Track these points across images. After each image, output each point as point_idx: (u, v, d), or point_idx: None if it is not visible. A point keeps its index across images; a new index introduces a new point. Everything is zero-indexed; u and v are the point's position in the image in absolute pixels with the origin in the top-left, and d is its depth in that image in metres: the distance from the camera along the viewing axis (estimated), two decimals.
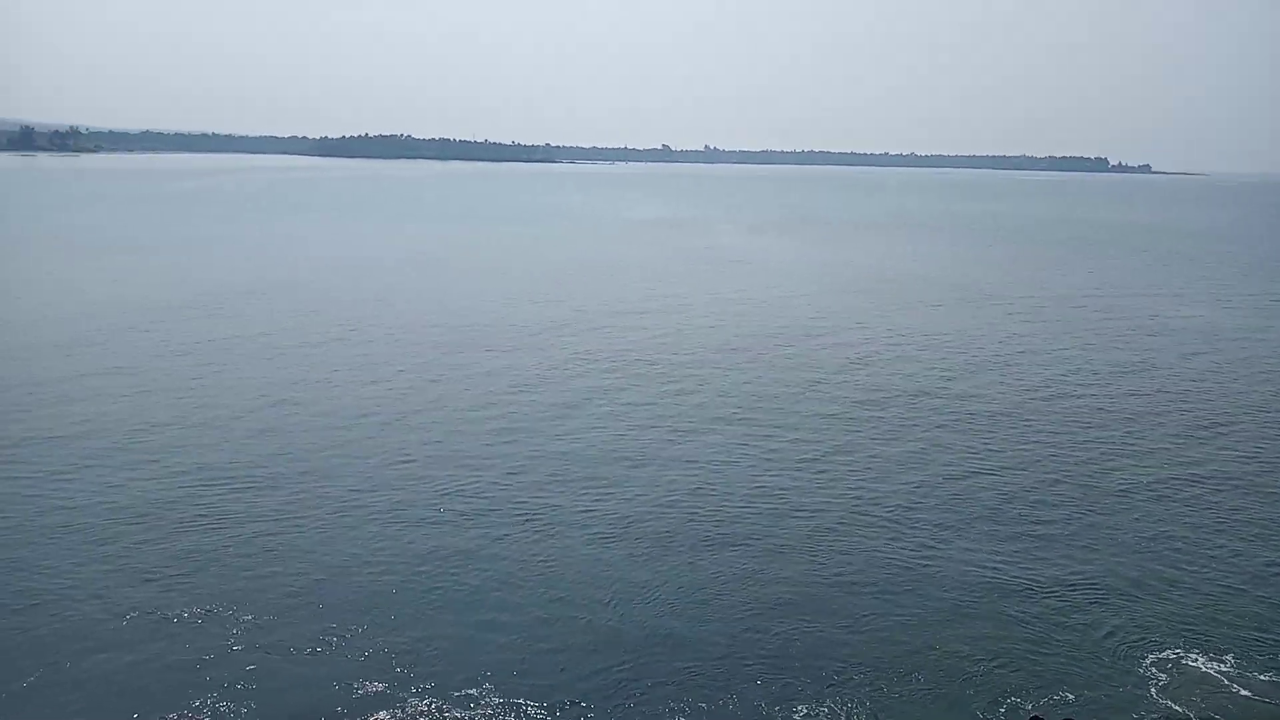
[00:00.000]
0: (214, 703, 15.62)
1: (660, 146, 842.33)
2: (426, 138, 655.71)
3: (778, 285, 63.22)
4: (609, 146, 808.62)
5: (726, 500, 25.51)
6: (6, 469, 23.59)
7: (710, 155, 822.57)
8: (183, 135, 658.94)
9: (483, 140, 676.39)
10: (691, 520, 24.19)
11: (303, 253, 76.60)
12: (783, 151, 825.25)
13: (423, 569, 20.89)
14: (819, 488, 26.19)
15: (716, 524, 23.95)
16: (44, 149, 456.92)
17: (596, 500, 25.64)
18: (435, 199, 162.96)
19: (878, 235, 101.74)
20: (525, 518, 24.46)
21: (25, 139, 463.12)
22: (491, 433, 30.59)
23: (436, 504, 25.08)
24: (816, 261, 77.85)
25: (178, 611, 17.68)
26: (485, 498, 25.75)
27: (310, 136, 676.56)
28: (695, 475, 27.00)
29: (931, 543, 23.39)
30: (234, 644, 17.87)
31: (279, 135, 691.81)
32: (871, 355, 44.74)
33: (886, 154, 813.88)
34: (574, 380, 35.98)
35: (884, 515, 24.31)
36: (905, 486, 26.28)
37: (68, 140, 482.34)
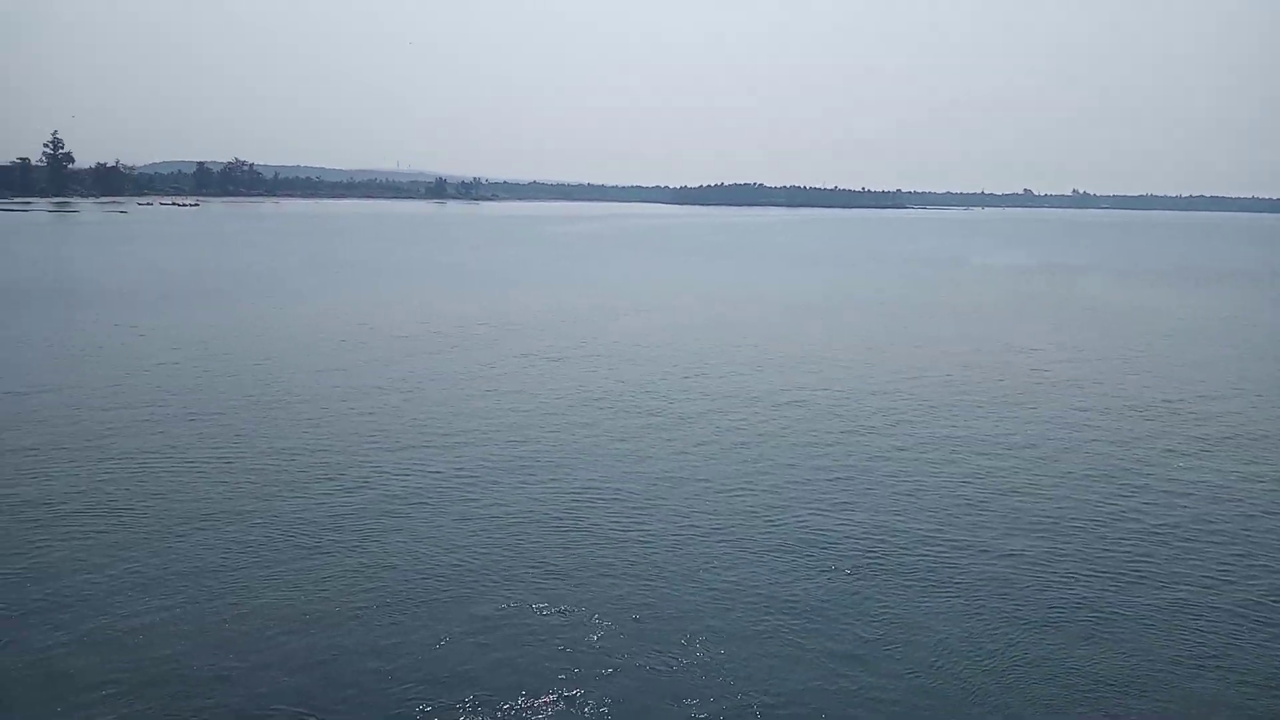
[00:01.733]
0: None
1: (1021, 191, 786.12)
2: (778, 185, 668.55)
3: (1159, 341, 53.50)
4: (964, 191, 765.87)
5: None
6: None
7: (1079, 200, 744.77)
8: (563, 185, 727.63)
9: (832, 187, 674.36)
10: None
11: (704, 289, 79.07)
12: (1165, 196, 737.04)
13: None
14: None
15: None
16: (453, 197, 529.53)
17: None
18: (786, 243, 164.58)
19: None
20: None
21: (439, 189, 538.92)
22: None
23: None
24: (1210, 313, 65.52)
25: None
26: None
27: (671, 186, 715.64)
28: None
29: None
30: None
31: (644, 185, 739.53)
32: None
33: None
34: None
35: None
36: None
37: (471, 190, 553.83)
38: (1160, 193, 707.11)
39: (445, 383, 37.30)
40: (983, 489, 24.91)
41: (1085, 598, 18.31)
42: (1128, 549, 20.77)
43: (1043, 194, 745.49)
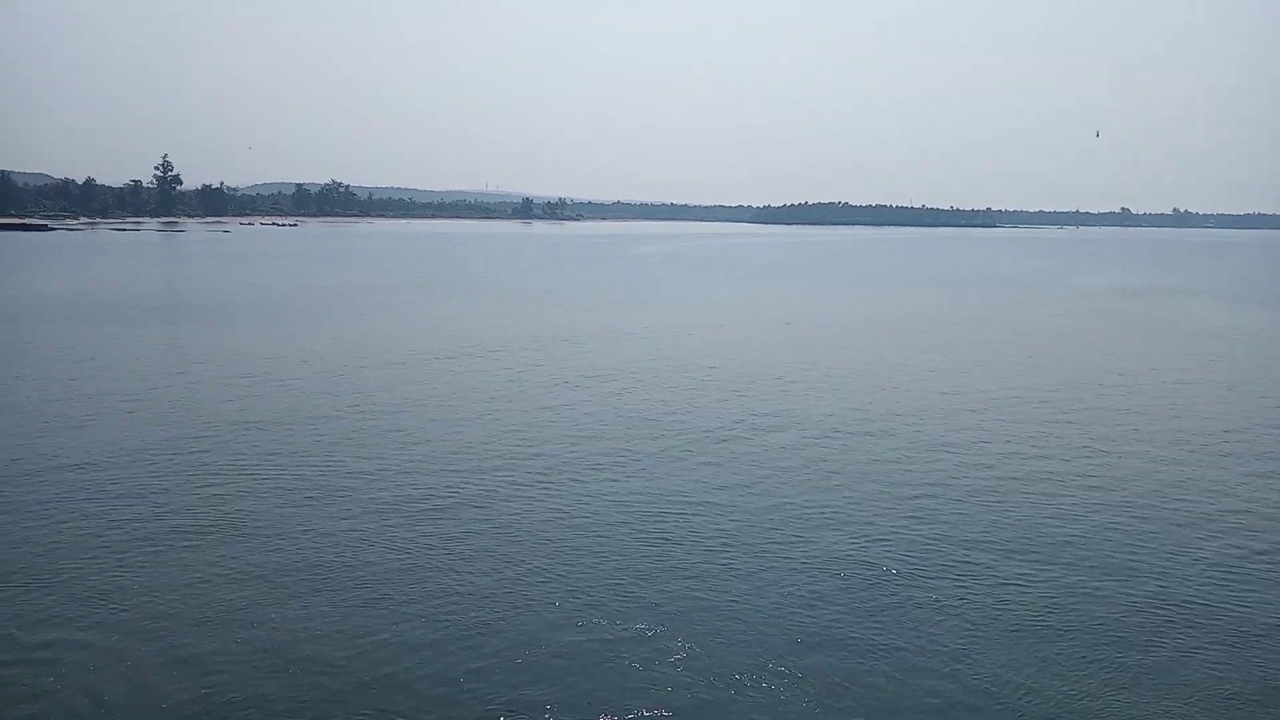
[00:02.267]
0: None
1: (1119, 209, 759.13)
2: (862, 204, 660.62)
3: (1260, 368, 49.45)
4: (1058, 210, 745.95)
5: None
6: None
7: (1181, 219, 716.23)
8: (646, 205, 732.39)
9: (919, 205, 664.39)
10: None
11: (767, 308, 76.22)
12: (1274, 215, 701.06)
13: None
14: None
15: None
16: (539, 217, 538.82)
17: None
18: (869, 263, 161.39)
19: None
20: None
21: (525, 209, 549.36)
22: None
23: None
24: None
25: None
26: None
27: (753, 205, 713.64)
28: None
29: None
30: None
31: (726, 204, 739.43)
32: None
33: None
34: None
35: None
36: None
37: (557, 210, 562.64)
38: (1269, 211, 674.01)
39: (529, 398, 37.75)
40: (1078, 527, 23.99)
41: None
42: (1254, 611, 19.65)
43: (1141, 212, 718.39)
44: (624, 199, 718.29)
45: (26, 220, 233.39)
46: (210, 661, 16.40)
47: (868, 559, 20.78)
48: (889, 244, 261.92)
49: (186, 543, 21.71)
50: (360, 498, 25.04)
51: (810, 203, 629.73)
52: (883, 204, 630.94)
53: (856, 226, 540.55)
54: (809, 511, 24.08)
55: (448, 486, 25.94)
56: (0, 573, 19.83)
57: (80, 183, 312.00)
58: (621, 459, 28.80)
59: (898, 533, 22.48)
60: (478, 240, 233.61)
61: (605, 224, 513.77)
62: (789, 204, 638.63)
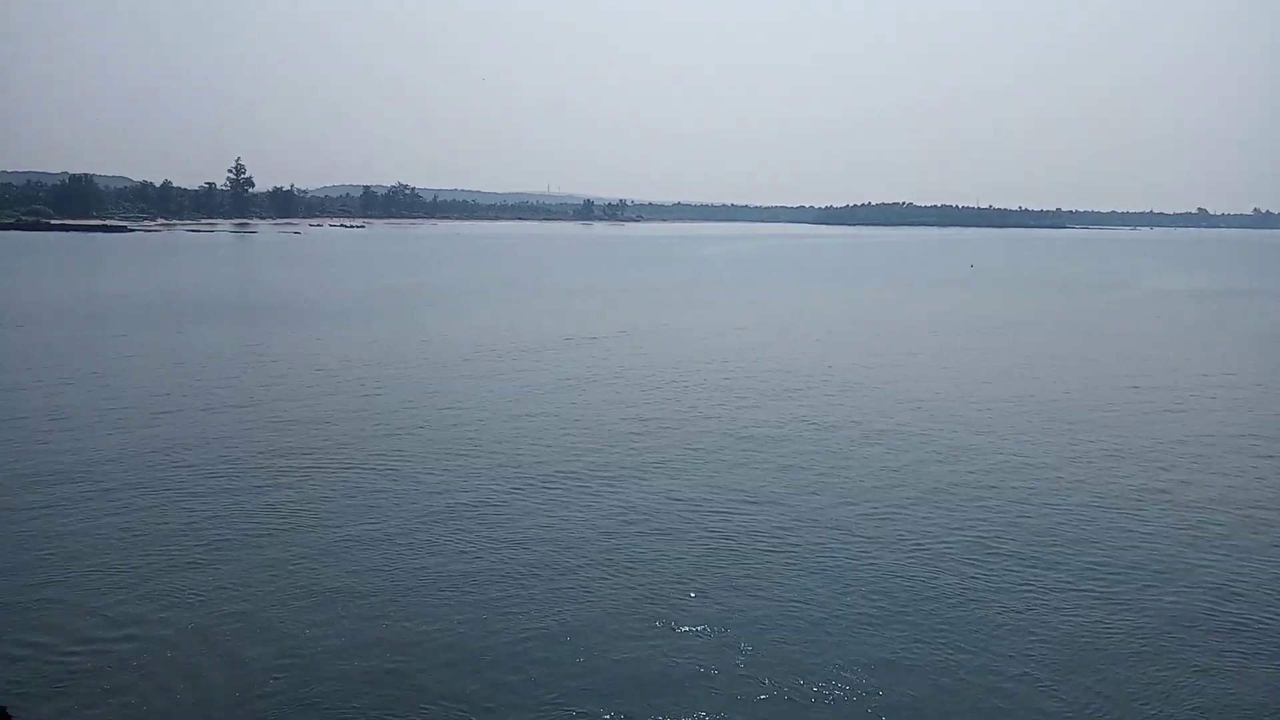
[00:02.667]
0: None
1: (1195, 210, 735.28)
2: (928, 205, 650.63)
3: None
4: (1131, 211, 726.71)
5: None
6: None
7: (1261, 219, 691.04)
8: (706, 206, 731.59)
9: (986, 206, 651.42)
10: None
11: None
12: None
13: None
14: None
15: None
16: (599, 218, 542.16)
17: None
18: (935, 264, 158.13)
19: None
20: None
21: (586, 211, 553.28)
22: None
23: None
24: None
25: None
26: None
27: (815, 206, 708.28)
28: None
29: None
30: None
31: (788, 205, 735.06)
32: None
33: None
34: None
35: None
36: None
37: (617, 211, 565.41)
38: None
39: (591, 396, 37.85)
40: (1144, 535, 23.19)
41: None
42: None
43: (1219, 213, 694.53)
44: (684, 200, 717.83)
45: (107, 221, 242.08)
46: (304, 649, 16.73)
47: (940, 568, 20.34)
48: (956, 245, 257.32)
49: (265, 534, 22.21)
50: (432, 494, 25.38)
51: (874, 203, 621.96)
52: (949, 204, 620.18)
53: (921, 228, 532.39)
54: (886, 515, 23.68)
55: (514, 486, 26.13)
56: (97, 553, 20.54)
57: (158, 185, 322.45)
58: (692, 457, 28.72)
59: (978, 541, 21.95)
60: (539, 241, 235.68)
61: (665, 225, 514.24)
62: (852, 204, 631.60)
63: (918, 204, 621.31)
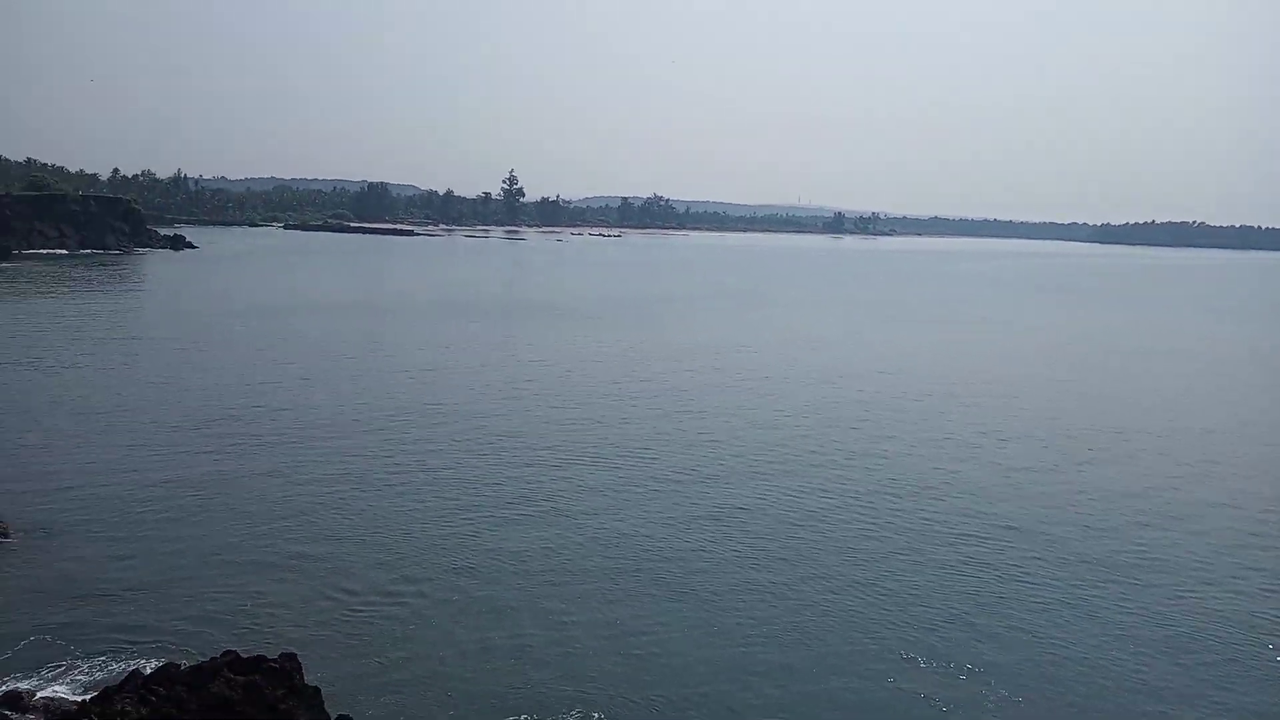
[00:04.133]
0: None
1: None
2: (1222, 224, 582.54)
3: None
4: None
5: None
6: None
7: None
8: (966, 221, 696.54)
9: None
10: None
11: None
12: None
13: None
14: None
15: None
16: (850, 231, 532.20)
17: None
18: (1242, 295, 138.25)
19: None
20: None
21: (837, 224, 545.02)
22: None
23: None
24: None
25: None
26: None
27: (1090, 223, 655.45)
28: None
29: None
30: None
31: (1058, 222, 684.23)
32: None
33: None
34: None
35: None
36: None
37: (869, 225, 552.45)
38: None
39: (827, 409, 38.00)
40: None
41: None
42: None
43: None
44: (941, 214, 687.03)
45: (397, 225, 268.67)
46: (573, 633, 18.69)
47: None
48: (1260, 273, 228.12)
49: (533, 516, 24.71)
50: (697, 499, 26.97)
51: (1158, 221, 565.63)
52: (1249, 225, 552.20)
53: (1214, 250, 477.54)
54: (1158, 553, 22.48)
55: (763, 490, 27.19)
56: (384, 521, 23.81)
57: (441, 194, 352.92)
58: (951, 478, 28.41)
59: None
60: (787, 254, 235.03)
61: (920, 240, 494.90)
62: (1132, 222, 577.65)
63: (1211, 223, 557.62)
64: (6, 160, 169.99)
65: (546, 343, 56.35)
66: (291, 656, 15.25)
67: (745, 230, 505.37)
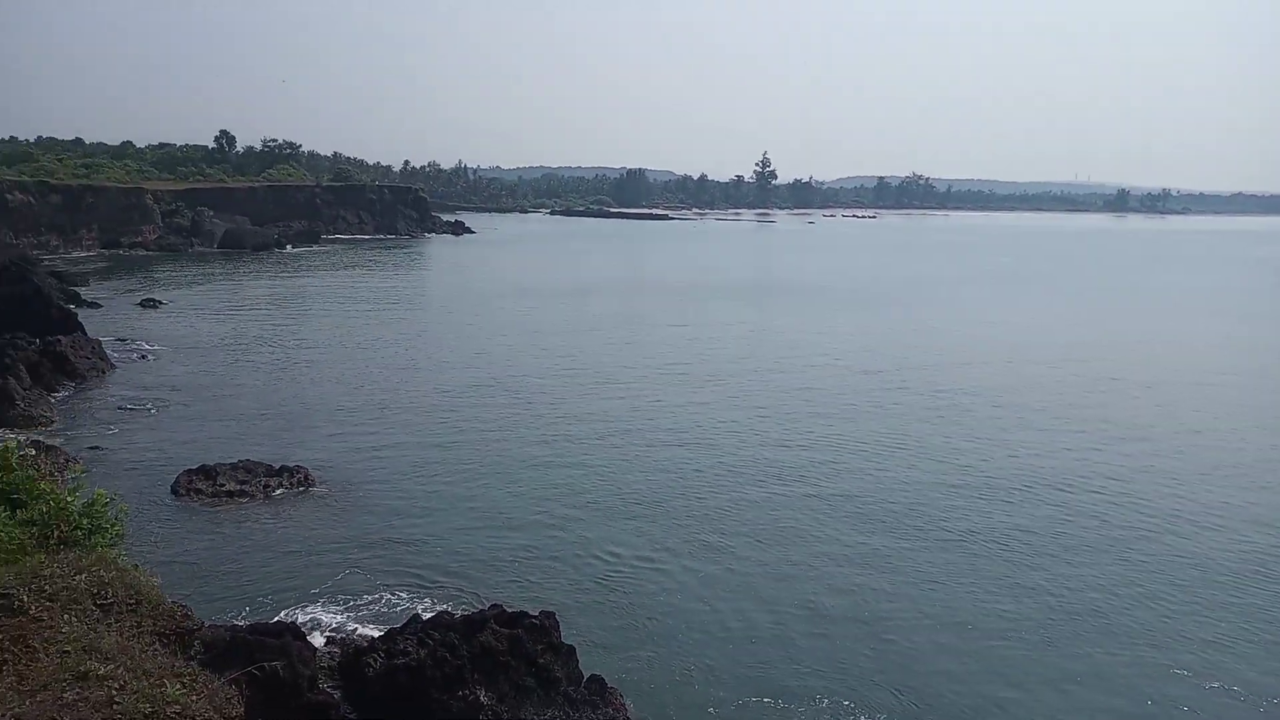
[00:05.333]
0: None
1: None
2: None
3: None
4: None
5: None
6: None
7: None
8: (1276, 197, 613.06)
9: None
10: None
11: None
12: None
13: None
14: None
15: None
16: (1135, 210, 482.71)
17: None
18: None
19: None
20: None
21: (1119, 201, 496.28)
22: None
23: None
24: None
25: None
26: None
27: None
28: None
29: None
30: None
31: None
32: None
33: None
34: None
35: None
36: None
37: (1158, 203, 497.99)
38: None
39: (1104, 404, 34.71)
40: None
41: None
42: None
43: None
44: (1246, 189, 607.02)
45: (653, 210, 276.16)
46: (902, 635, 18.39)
47: None
48: None
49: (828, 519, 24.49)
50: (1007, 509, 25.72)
51: None
52: None
53: None
54: None
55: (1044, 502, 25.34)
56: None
57: (695, 178, 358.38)
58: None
59: None
60: (1059, 236, 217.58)
61: (1218, 220, 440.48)
62: None
63: None
64: (318, 155, 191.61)
65: (798, 324, 55.62)
66: (551, 615, 15.90)
67: (1014, 209, 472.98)
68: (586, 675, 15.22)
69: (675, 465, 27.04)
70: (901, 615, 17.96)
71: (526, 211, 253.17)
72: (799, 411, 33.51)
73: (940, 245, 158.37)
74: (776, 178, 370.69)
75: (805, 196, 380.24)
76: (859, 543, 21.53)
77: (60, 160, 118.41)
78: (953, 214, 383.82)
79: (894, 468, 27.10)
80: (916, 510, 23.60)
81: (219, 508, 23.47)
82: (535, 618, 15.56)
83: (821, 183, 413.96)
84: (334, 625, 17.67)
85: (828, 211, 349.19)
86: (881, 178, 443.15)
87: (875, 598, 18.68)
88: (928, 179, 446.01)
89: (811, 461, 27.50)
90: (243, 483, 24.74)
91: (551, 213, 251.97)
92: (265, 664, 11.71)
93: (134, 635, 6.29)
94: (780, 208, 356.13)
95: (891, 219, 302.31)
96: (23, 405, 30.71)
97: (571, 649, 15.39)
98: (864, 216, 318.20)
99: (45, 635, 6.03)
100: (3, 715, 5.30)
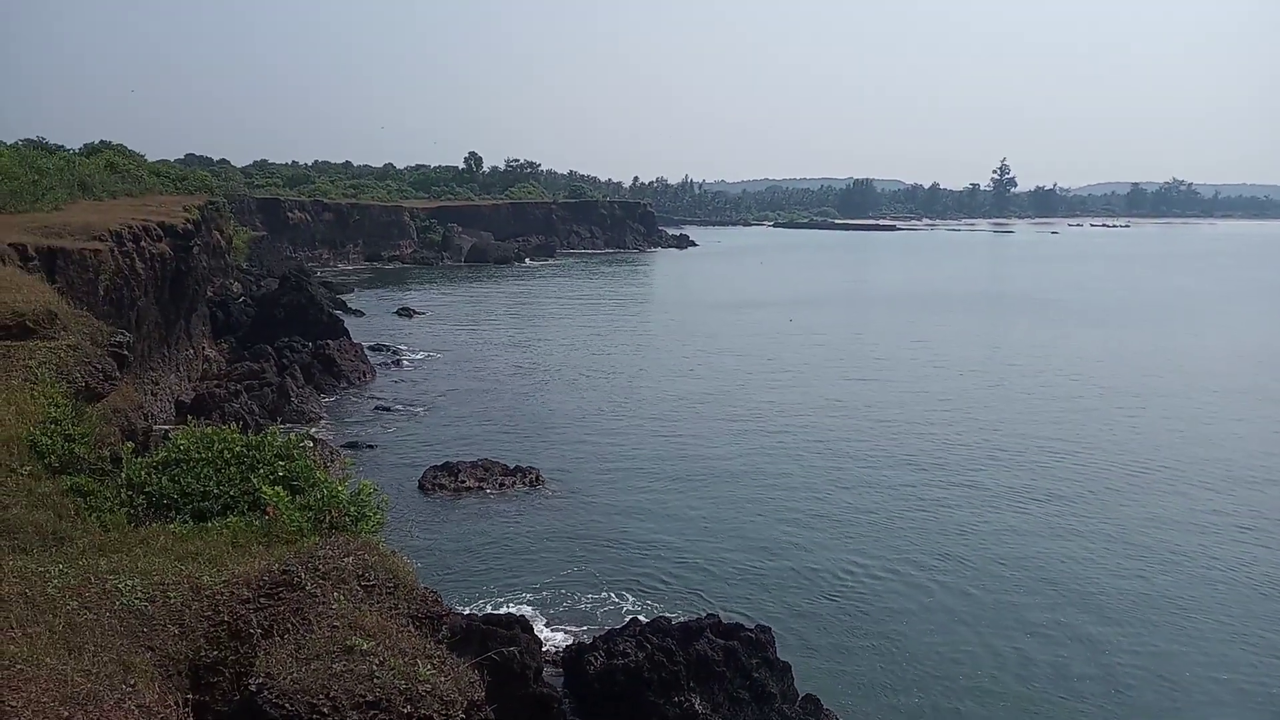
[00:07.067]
0: None
1: None
2: None
3: None
4: None
5: None
6: None
7: None
8: None
9: None
10: None
11: None
12: None
13: None
14: None
15: None
16: None
17: None
18: None
19: None
20: None
21: None
22: None
23: None
24: None
25: None
26: None
27: None
28: None
29: None
30: None
31: None
32: None
33: None
34: None
35: None
36: None
37: None
38: None
39: None
40: None
41: None
42: None
43: None
44: None
45: (879, 221, 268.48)
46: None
47: None
48: None
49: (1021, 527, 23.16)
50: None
51: None
52: None
53: None
54: None
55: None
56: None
57: (926, 188, 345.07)
58: None
59: None
60: None
61: None
62: None
63: None
64: (555, 173, 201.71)
65: (1028, 342, 52.28)
66: (767, 629, 15.86)
67: None
68: (802, 694, 15.03)
69: (906, 486, 26.19)
70: (1195, 665, 16.37)
71: (749, 224, 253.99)
72: (1040, 433, 31.48)
73: (1203, 254, 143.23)
74: (1016, 185, 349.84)
75: (1048, 204, 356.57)
76: (1135, 591, 19.82)
77: (333, 182, 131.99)
78: (1220, 223, 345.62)
79: (1168, 505, 24.82)
80: (1215, 555, 21.48)
81: (458, 502, 25.21)
82: (751, 631, 15.57)
83: (1067, 190, 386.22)
84: (555, 619, 18.48)
85: (1073, 221, 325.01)
86: (1136, 183, 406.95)
87: (1156, 636, 17.12)
88: (1189, 184, 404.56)
89: (1058, 491, 25.72)
90: (480, 480, 26.44)
91: (774, 225, 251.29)
92: (503, 650, 12.44)
93: (391, 616, 6.92)
94: (1020, 217, 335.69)
95: (1147, 228, 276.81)
96: (296, 402, 34.42)
97: (787, 665, 15.26)
98: (1115, 225, 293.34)
99: (318, 610, 6.76)
100: (284, 678, 5.99)
